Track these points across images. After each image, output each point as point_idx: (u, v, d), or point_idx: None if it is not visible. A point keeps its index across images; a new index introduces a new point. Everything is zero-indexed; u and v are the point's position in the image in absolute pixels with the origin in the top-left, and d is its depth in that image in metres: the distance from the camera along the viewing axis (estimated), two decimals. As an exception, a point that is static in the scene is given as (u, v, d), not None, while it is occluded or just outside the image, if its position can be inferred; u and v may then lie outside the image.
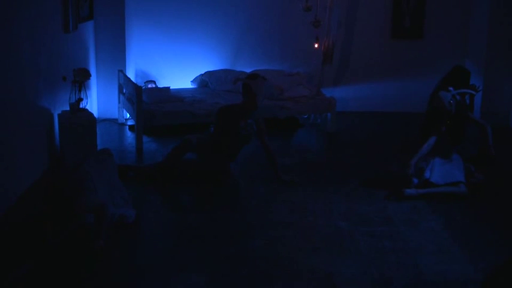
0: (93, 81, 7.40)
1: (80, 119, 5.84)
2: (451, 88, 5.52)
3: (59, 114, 5.86)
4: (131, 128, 7.31)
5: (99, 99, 7.72)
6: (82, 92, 5.97)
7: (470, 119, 5.67)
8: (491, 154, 5.59)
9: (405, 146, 6.16)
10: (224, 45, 8.36)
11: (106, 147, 5.45)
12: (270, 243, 4.41)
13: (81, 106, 5.95)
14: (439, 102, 5.51)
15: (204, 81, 8.14)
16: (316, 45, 7.85)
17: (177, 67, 8.25)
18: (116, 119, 7.65)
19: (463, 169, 5.46)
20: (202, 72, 8.19)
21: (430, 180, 5.33)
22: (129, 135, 7.19)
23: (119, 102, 7.57)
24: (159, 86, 7.84)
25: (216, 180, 5.65)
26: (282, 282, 3.87)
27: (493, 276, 2.40)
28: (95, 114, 7.07)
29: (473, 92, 5.68)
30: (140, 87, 6.70)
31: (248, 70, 7.70)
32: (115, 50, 7.59)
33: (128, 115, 7.42)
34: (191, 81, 8.27)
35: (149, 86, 7.78)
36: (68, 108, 5.93)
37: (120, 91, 7.45)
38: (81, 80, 5.94)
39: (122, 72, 7.41)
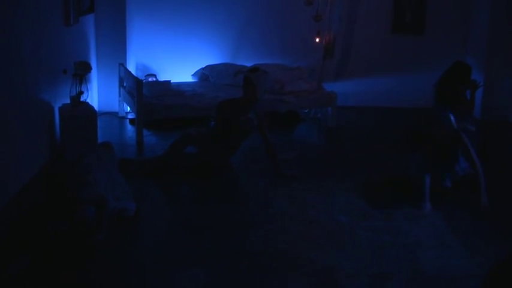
0: (94, 75, 7.39)
1: (81, 112, 5.84)
2: (450, 114, 5.32)
3: (59, 108, 5.86)
4: (132, 121, 7.31)
5: (99, 93, 7.71)
6: (83, 85, 5.97)
7: (469, 155, 5.30)
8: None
9: (404, 141, 6.12)
10: (225, 39, 8.35)
11: (107, 140, 5.45)
12: (270, 237, 4.41)
13: (81, 99, 5.94)
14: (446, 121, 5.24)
15: (205, 75, 8.13)
16: (317, 40, 7.85)
17: (177, 61, 8.24)
18: (117, 113, 7.64)
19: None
20: (203, 66, 8.19)
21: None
22: (130, 129, 7.19)
23: (120, 96, 7.57)
24: (159, 80, 7.83)
25: (216, 174, 5.65)
26: (282, 276, 3.87)
27: (495, 271, 2.40)
28: (96, 107, 7.05)
29: (470, 128, 5.46)
30: (141, 80, 6.68)
31: (249, 64, 7.68)
32: (116, 43, 7.58)
33: (129, 108, 7.41)
34: (192, 75, 8.26)
35: (150, 79, 7.78)
36: (69, 102, 5.93)
37: (121, 84, 7.45)
38: (81, 73, 5.93)
39: (122, 65, 7.40)
